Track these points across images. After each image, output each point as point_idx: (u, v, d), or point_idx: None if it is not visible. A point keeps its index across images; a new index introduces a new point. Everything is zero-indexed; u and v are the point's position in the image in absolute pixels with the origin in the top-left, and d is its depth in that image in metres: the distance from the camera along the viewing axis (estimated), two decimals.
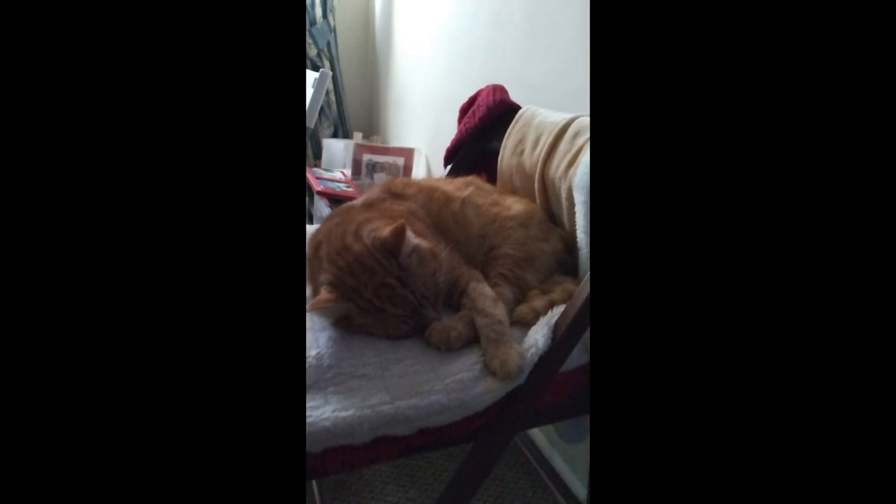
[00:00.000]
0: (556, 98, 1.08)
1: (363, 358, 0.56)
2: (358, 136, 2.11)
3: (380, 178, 1.74)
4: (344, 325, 0.60)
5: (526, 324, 0.65)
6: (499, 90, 0.98)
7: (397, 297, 0.58)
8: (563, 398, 0.66)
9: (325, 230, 0.67)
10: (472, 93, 1.03)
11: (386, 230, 0.59)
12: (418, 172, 1.79)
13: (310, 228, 0.85)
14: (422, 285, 0.60)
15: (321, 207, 1.55)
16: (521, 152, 0.88)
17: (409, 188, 0.77)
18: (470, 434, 0.60)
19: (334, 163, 2.03)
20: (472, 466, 0.61)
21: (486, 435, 0.60)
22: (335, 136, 2.20)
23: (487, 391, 0.56)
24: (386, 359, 0.57)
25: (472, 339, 0.61)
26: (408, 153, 1.76)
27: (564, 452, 1.06)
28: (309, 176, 1.69)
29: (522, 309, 0.66)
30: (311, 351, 0.55)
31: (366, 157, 1.73)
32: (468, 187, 0.81)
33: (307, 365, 0.53)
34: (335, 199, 1.56)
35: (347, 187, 1.66)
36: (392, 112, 2.13)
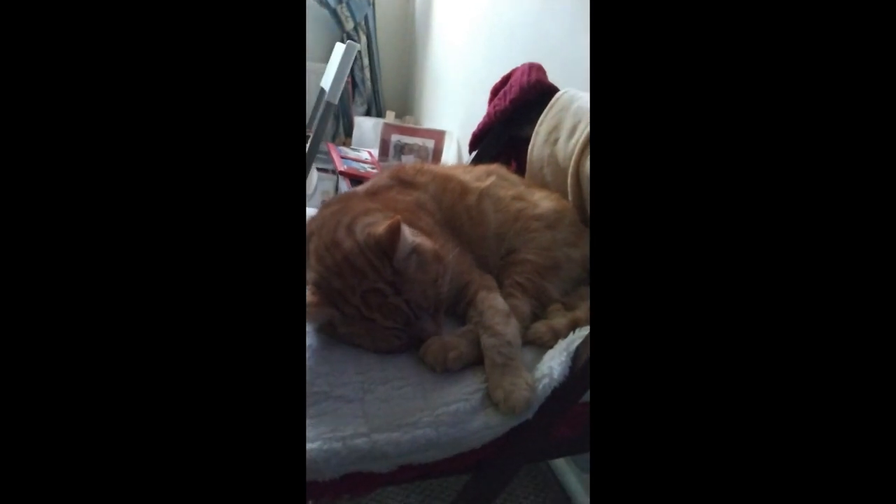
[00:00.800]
0: None
1: (343, 375, 0.48)
2: (390, 116, 2.03)
3: (408, 160, 1.66)
4: (328, 331, 0.52)
5: (542, 345, 0.55)
6: (535, 69, 0.86)
7: (388, 307, 0.50)
8: (582, 432, 0.56)
9: (320, 220, 0.58)
10: (510, 63, 0.91)
11: (381, 226, 0.50)
12: (448, 157, 1.69)
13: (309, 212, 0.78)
14: (419, 294, 0.51)
15: (343, 188, 1.48)
16: (555, 141, 0.77)
17: (421, 175, 0.68)
18: (464, 469, 0.51)
19: (364, 142, 1.96)
20: (469, 500, 0.53)
21: (486, 469, 0.52)
22: (368, 113, 2.13)
23: (486, 427, 0.47)
24: (370, 378, 0.48)
25: (476, 361, 0.51)
26: (438, 135, 1.65)
27: (580, 475, 0.96)
28: (333, 154, 1.63)
29: (539, 327, 0.56)
30: None
31: (394, 137, 1.64)
32: (489, 177, 0.71)
33: None
34: (357, 181, 1.48)
35: (372, 168, 1.58)
36: (427, 92, 2.03)
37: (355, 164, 1.56)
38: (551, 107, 0.80)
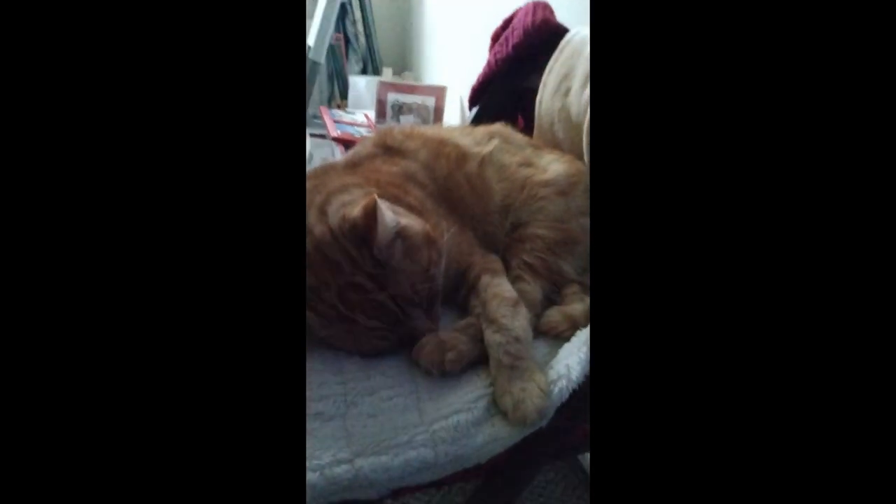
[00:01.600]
0: None
1: (321, 387, 0.41)
2: (387, 73, 1.89)
3: (407, 120, 1.53)
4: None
5: (557, 335, 0.47)
6: (540, 8, 0.74)
7: (371, 304, 0.42)
8: None
9: None
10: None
11: (356, 209, 0.41)
12: (451, 115, 1.57)
13: None
14: (407, 287, 0.42)
15: (339, 155, 1.38)
16: (567, 91, 0.65)
17: (411, 140, 0.58)
18: (470, 479, 0.44)
19: (361, 103, 1.83)
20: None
21: (497, 477, 0.45)
22: (364, 72, 1.99)
23: (493, 440, 0.40)
24: (353, 388, 0.41)
25: (479, 360, 0.44)
26: (439, 92, 1.52)
27: None
28: (326, 118, 1.51)
29: (554, 315, 0.48)
30: None
31: (391, 96, 1.51)
32: (491, 140, 0.60)
33: None
34: (352, 147, 1.38)
35: (369, 132, 1.47)
36: (427, 45, 1.88)
37: (350, 129, 1.45)
38: (561, 51, 0.68)
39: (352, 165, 0.55)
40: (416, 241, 0.43)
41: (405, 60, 2.08)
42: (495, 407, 0.41)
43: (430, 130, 0.62)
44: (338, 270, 0.42)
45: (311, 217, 0.44)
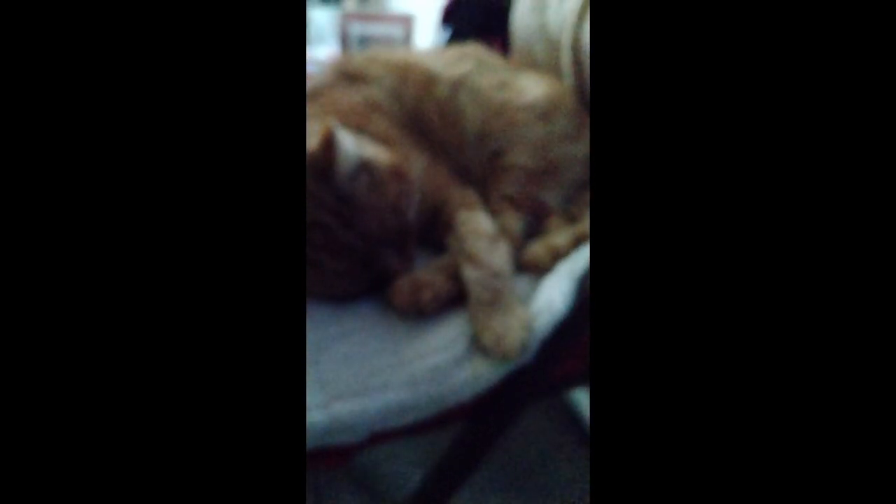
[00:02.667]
0: None
1: None
2: (351, 3, 1.73)
3: None
4: None
5: (540, 269, 0.45)
6: None
7: (337, 244, 0.38)
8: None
9: None
10: None
11: (312, 140, 0.37)
12: (421, 47, 1.46)
13: None
14: (376, 224, 0.39)
15: None
16: (545, 7, 0.59)
17: (374, 65, 0.52)
18: (453, 422, 0.44)
19: (323, 38, 1.69)
20: (461, 453, 0.47)
21: (479, 417, 0.45)
22: (326, 2, 1.82)
23: (475, 378, 0.38)
24: (324, 334, 0.39)
25: (457, 299, 0.41)
26: (406, 21, 1.41)
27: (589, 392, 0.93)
28: None
29: (537, 249, 0.46)
30: None
31: (356, 27, 1.40)
32: (463, 62, 0.55)
33: None
34: None
35: None
36: None
37: (311, 69, 1.34)
38: None
39: (310, 97, 0.49)
40: (383, 174, 0.40)
41: None
42: (476, 345, 0.39)
43: (394, 55, 0.56)
44: None
45: None
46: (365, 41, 1.42)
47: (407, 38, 1.42)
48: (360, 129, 0.44)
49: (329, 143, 0.36)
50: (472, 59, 0.56)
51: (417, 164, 0.44)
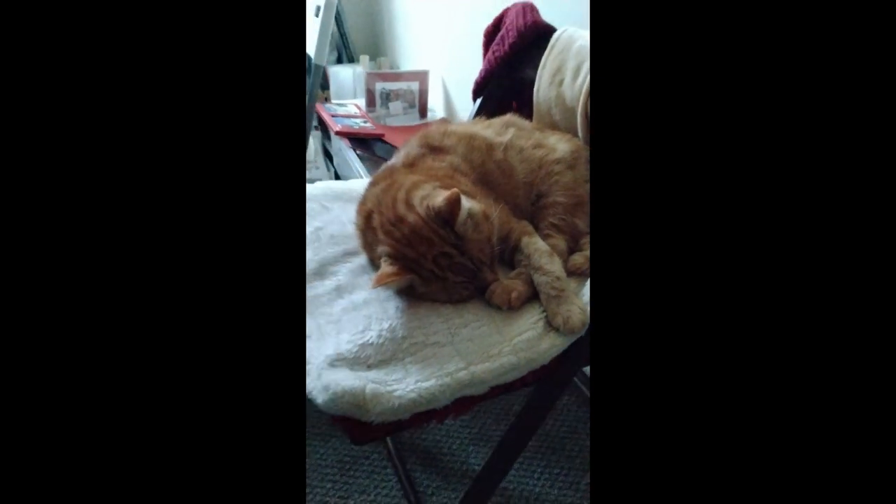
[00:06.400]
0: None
1: (432, 326, 0.58)
2: (364, 60, 1.97)
3: (395, 106, 1.66)
4: (406, 293, 0.61)
5: (581, 274, 0.66)
6: (528, 10, 0.89)
7: (456, 265, 0.59)
8: None
9: (374, 198, 0.65)
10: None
11: (439, 199, 0.58)
12: (435, 97, 1.70)
13: (352, 185, 0.84)
14: (478, 251, 0.60)
15: (343, 148, 1.50)
16: (560, 82, 0.82)
17: (448, 138, 0.74)
18: (534, 381, 0.63)
19: (343, 93, 1.92)
20: (535, 407, 0.66)
21: (549, 379, 0.64)
22: (339, 61, 2.06)
23: (553, 346, 0.58)
24: (453, 324, 0.59)
25: (532, 296, 0.62)
26: (422, 76, 1.65)
27: None
28: (324, 115, 1.62)
29: (577, 259, 0.67)
30: (384, 323, 0.57)
31: (378, 85, 1.63)
32: (508, 129, 0.77)
33: (383, 338, 0.56)
34: (356, 139, 1.50)
35: (365, 122, 1.59)
36: (400, 31, 1.96)
37: (348, 122, 1.57)
38: (551, 48, 0.84)
39: (410, 165, 0.71)
40: (480, 220, 0.61)
41: (378, 46, 2.15)
42: (551, 325, 0.59)
43: (459, 128, 0.78)
44: (430, 245, 0.58)
45: (401, 208, 0.61)
46: (387, 95, 1.65)
47: (422, 90, 1.65)
48: (451, 187, 0.65)
49: (455, 203, 0.57)
50: (513, 126, 0.79)
51: (492, 208, 0.65)
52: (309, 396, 0.51)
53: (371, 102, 1.65)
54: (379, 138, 1.51)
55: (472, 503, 0.71)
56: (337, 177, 1.77)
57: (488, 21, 0.95)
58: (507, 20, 0.91)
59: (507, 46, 0.89)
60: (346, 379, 0.51)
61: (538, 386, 0.65)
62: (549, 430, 1.06)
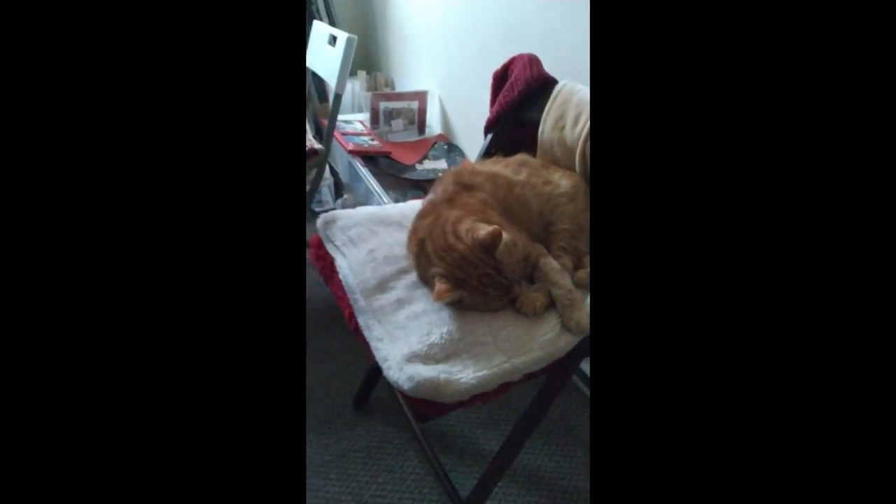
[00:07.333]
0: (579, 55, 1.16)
1: (478, 329, 0.77)
2: (362, 75, 2.10)
3: (397, 123, 1.81)
4: (455, 305, 0.79)
5: (585, 286, 0.85)
6: (533, 63, 1.07)
7: (496, 283, 0.77)
8: None
9: (424, 229, 0.83)
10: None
11: (482, 232, 0.76)
12: (432, 115, 1.86)
13: (398, 208, 1.00)
14: (511, 271, 0.78)
15: (357, 166, 1.64)
16: (562, 128, 1.01)
17: (476, 177, 0.92)
18: (551, 370, 0.83)
19: (343, 107, 2.04)
20: (549, 390, 0.86)
21: (559, 368, 0.84)
22: None
23: (567, 344, 0.78)
24: (494, 327, 0.77)
25: (551, 305, 0.81)
26: (421, 96, 1.81)
27: None
28: (338, 136, 1.75)
29: (580, 274, 0.86)
30: (443, 328, 0.75)
31: (382, 104, 1.78)
32: (523, 168, 0.96)
33: (444, 339, 0.74)
34: (367, 156, 1.65)
35: (372, 140, 1.73)
36: (394, 48, 2.09)
37: (357, 140, 1.71)
38: (554, 98, 1.03)
39: (449, 201, 0.88)
40: (512, 247, 0.79)
41: (373, 61, 2.27)
42: (565, 327, 0.79)
43: (483, 168, 0.96)
44: (475, 267, 0.76)
45: (451, 239, 0.78)
46: (389, 113, 1.80)
47: (421, 109, 1.81)
48: (486, 220, 0.83)
49: (497, 236, 0.75)
50: (525, 166, 0.97)
51: (517, 236, 0.83)
52: (395, 385, 0.69)
53: (375, 120, 1.80)
54: (386, 155, 1.67)
55: (495, 472, 0.90)
56: (338, 191, 1.91)
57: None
58: (516, 69, 1.09)
59: (516, 93, 1.08)
60: (424, 371, 0.68)
61: (550, 374, 0.85)
62: (547, 415, 1.27)
